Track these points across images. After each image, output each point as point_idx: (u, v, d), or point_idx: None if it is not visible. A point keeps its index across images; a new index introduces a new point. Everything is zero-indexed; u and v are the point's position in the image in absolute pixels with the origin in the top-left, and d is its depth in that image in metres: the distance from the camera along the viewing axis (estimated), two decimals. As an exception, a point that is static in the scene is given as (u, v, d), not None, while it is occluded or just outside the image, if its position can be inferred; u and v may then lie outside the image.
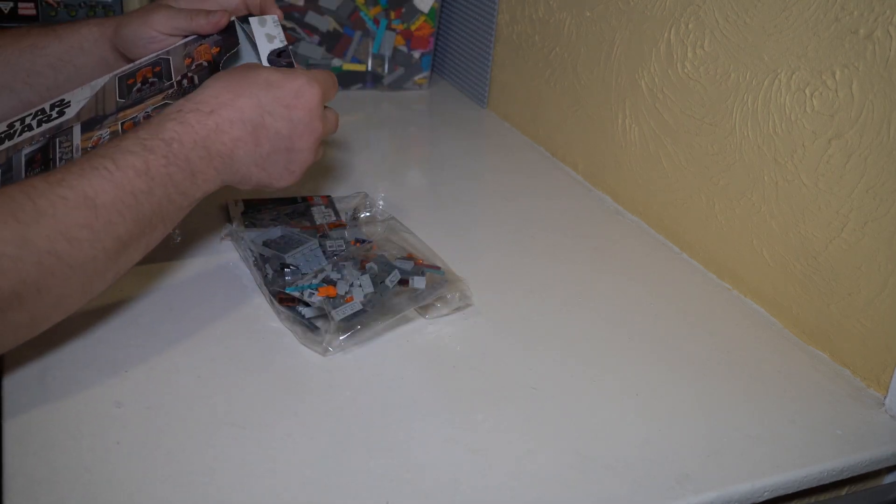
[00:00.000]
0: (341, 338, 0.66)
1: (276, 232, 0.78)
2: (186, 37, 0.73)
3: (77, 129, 0.69)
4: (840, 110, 0.68)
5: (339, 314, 0.66)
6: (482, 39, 1.24)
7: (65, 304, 0.56)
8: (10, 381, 0.60)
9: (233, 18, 0.72)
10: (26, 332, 0.54)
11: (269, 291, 0.71)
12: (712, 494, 0.56)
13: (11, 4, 1.22)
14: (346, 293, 0.68)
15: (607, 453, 0.59)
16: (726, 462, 0.59)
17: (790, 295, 0.75)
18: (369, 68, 1.29)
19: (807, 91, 0.71)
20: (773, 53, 0.74)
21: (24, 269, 0.51)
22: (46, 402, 0.59)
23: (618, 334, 0.73)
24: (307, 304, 0.68)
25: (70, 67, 0.75)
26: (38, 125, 0.70)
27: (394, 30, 1.27)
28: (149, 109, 0.67)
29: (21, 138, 0.69)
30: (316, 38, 1.24)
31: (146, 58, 0.73)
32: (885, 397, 0.67)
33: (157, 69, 0.71)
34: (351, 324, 0.67)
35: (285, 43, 0.70)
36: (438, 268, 0.74)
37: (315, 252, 0.75)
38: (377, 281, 0.70)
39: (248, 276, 0.76)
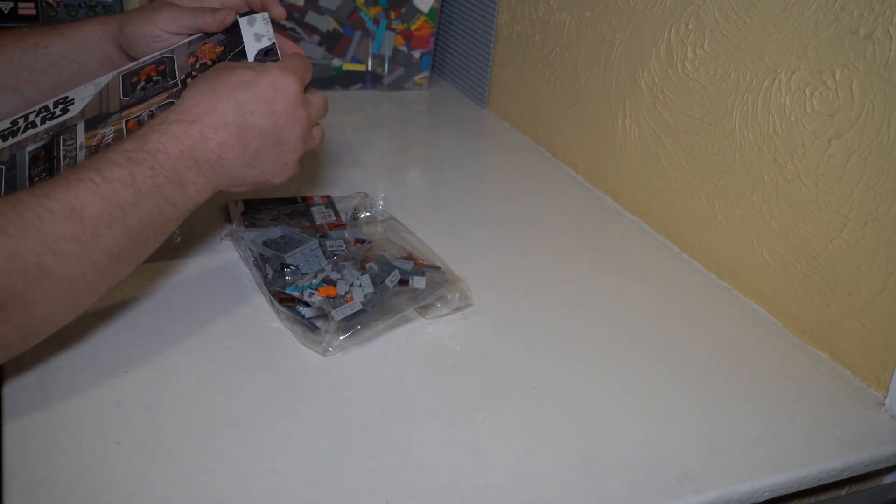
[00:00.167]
0: (341, 338, 0.66)
1: (276, 232, 0.78)
2: (190, 35, 0.73)
3: (81, 127, 0.69)
4: (840, 110, 0.68)
5: (339, 314, 0.66)
6: (482, 39, 1.24)
7: (54, 319, 0.55)
8: (11, 381, 0.60)
9: (237, 17, 0.72)
10: (16, 346, 0.54)
11: (269, 291, 0.71)
12: (712, 494, 0.56)
13: (11, 4, 1.21)
14: (346, 293, 0.68)
15: (607, 453, 0.59)
16: (726, 462, 0.59)
17: (790, 295, 0.75)
18: (369, 68, 1.29)
19: (807, 91, 0.71)
20: (773, 53, 0.74)
21: (11, 283, 0.51)
22: (46, 402, 0.59)
23: (618, 334, 0.73)
24: (307, 304, 0.68)
25: (73, 65, 0.74)
26: (42, 122, 0.70)
27: (394, 30, 1.27)
28: (153, 108, 0.67)
29: (25, 135, 0.70)
30: (316, 38, 1.24)
31: (150, 56, 0.73)
32: (885, 397, 0.67)
33: (161, 67, 0.71)
34: (351, 324, 0.67)
35: (273, 41, 0.70)
36: (438, 268, 0.74)
37: (315, 252, 0.75)
38: (377, 281, 0.70)
39: (248, 276, 0.76)
